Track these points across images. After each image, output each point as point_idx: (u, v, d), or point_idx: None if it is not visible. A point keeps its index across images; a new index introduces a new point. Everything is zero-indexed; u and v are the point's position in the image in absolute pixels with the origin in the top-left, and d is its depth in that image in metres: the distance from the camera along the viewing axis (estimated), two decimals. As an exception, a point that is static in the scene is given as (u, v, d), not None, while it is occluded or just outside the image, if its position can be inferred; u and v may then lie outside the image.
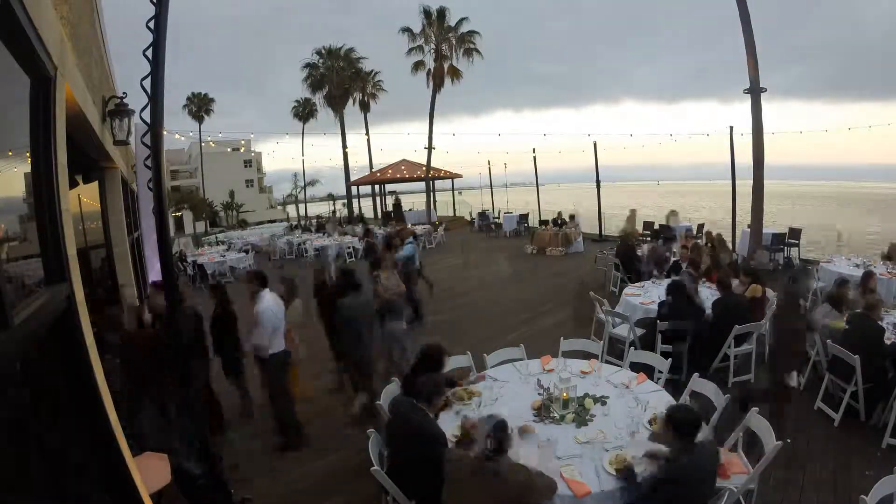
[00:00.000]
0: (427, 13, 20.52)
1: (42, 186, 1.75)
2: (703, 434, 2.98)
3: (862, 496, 2.32)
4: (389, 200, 27.35)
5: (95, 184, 5.17)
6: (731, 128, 11.84)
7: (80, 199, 4.48)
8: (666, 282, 6.16)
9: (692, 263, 7.03)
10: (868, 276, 5.68)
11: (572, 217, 14.84)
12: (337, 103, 27.77)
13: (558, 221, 15.17)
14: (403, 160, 24.48)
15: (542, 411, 3.20)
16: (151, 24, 2.39)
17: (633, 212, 13.65)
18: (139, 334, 4.18)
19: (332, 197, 46.18)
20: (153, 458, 3.10)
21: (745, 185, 10.42)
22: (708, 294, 6.04)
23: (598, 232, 15.89)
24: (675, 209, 13.65)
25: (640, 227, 13.61)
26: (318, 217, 28.58)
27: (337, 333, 4.87)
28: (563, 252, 13.49)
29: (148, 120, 2.48)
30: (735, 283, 5.55)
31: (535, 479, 2.32)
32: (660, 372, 4.01)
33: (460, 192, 27.95)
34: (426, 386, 2.87)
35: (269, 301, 4.24)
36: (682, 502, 2.37)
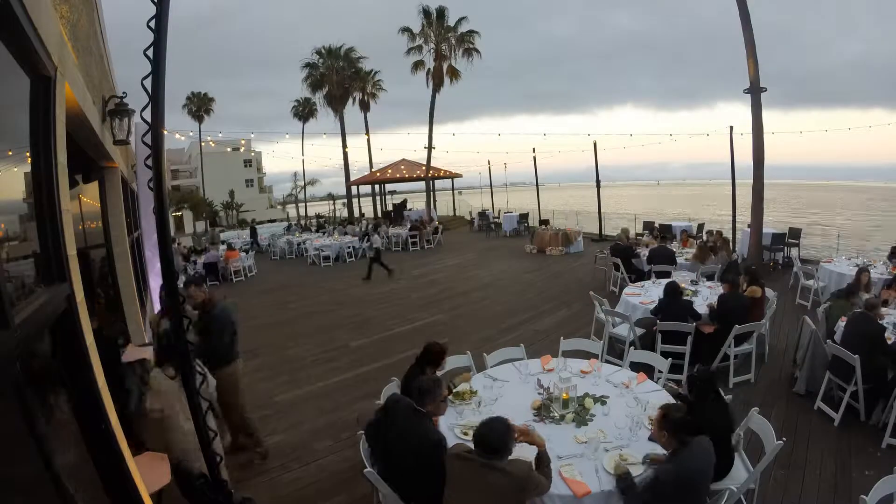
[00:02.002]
0: (426, 13, 20.49)
1: (42, 186, 1.75)
2: None
3: (862, 496, 2.32)
4: (389, 200, 27.38)
5: (95, 184, 5.16)
6: (731, 128, 11.87)
7: (80, 199, 4.47)
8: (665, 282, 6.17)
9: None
10: (861, 272, 5.72)
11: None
12: (337, 103, 27.73)
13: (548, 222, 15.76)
14: (403, 160, 24.48)
15: (542, 411, 3.20)
16: (152, 24, 2.39)
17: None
18: None
19: (332, 197, 46.19)
20: (153, 458, 3.11)
21: (746, 185, 10.42)
22: (708, 294, 6.05)
23: (598, 232, 15.91)
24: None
25: (639, 228, 13.62)
26: (318, 216, 28.59)
27: None
28: (563, 252, 13.49)
29: (148, 119, 2.48)
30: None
31: (534, 472, 2.33)
32: (660, 372, 4.01)
33: (460, 192, 27.97)
34: (421, 386, 2.82)
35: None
36: (684, 499, 2.37)
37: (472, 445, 2.44)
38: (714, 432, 2.74)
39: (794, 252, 10.60)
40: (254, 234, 19.45)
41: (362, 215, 26.91)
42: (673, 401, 3.22)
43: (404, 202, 24.38)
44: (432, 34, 20.61)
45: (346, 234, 16.47)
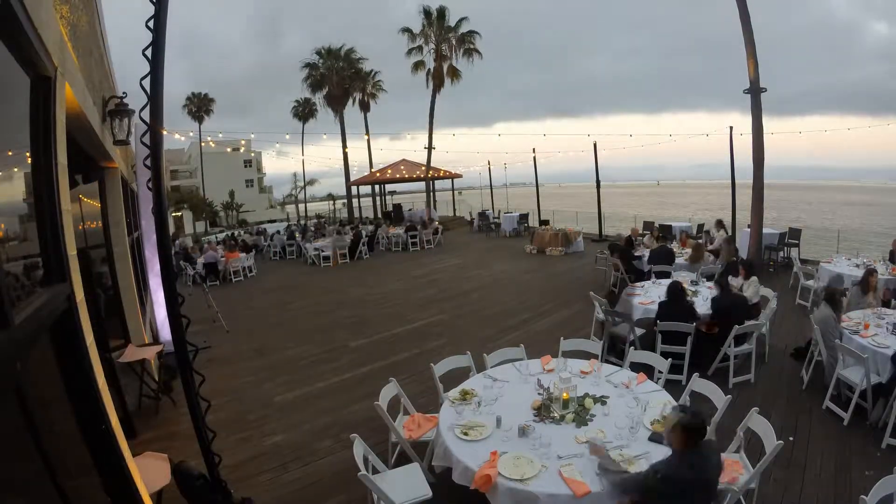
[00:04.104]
0: (427, 13, 20.49)
1: (42, 186, 1.75)
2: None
3: (862, 496, 2.32)
4: (390, 200, 27.39)
5: (95, 184, 5.17)
6: (731, 128, 11.87)
7: (81, 199, 4.47)
8: (666, 283, 6.17)
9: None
10: (869, 274, 5.70)
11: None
12: (337, 103, 27.74)
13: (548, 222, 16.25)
14: (403, 160, 24.49)
15: (543, 411, 3.20)
16: (151, 24, 2.39)
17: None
18: None
19: (332, 197, 46.19)
20: (153, 458, 3.11)
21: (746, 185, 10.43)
22: (708, 294, 6.05)
23: (598, 232, 15.91)
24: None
25: (639, 228, 13.63)
26: (318, 216, 28.56)
27: None
28: (563, 252, 13.49)
29: (147, 120, 2.48)
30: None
31: None
32: (660, 372, 4.01)
33: (460, 192, 27.95)
34: None
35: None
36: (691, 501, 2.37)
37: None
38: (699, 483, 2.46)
39: (793, 252, 10.59)
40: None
41: (359, 219, 26.89)
42: (674, 402, 3.23)
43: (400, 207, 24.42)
44: (433, 34, 20.61)
45: (344, 234, 16.47)
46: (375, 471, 3.13)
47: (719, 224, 10.62)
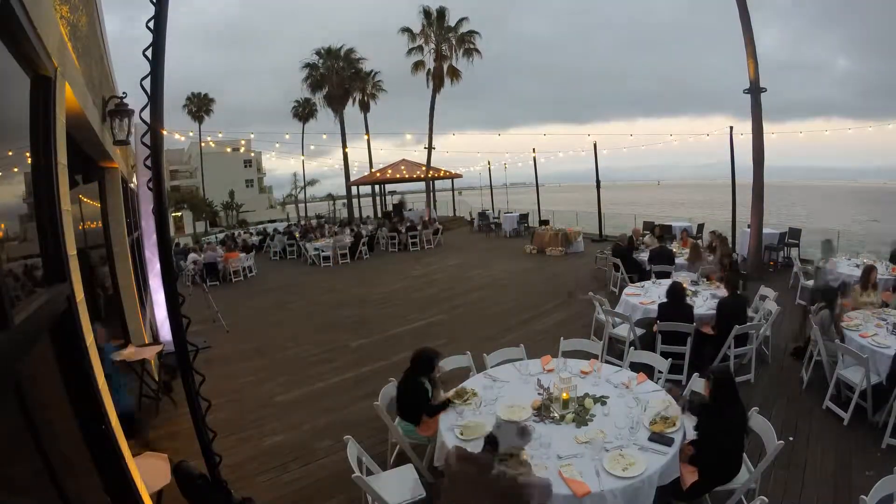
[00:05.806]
0: (427, 13, 20.50)
1: (42, 186, 1.75)
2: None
3: (862, 496, 2.32)
4: (390, 200, 27.40)
5: (95, 184, 5.17)
6: (731, 128, 11.86)
7: (80, 199, 4.47)
8: (666, 283, 6.18)
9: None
10: (868, 270, 5.70)
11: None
12: (337, 104, 27.74)
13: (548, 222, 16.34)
14: (403, 160, 24.51)
15: (542, 411, 3.20)
16: (151, 24, 2.39)
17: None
18: None
19: (332, 197, 46.17)
20: (153, 458, 3.11)
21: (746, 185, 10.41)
22: (708, 295, 6.04)
23: (598, 232, 15.91)
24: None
25: (640, 227, 13.62)
26: (317, 216, 28.56)
27: None
28: (563, 252, 13.49)
29: (148, 120, 2.48)
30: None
31: (533, 480, 2.31)
32: (660, 372, 4.01)
33: (460, 192, 27.96)
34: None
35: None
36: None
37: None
38: (732, 435, 2.82)
39: (793, 252, 10.59)
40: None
41: (359, 219, 26.85)
42: (674, 403, 3.22)
43: (402, 202, 24.46)
44: (433, 34, 20.62)
45: (344, 233, 16.48)
46: (370, 472, 3.13)
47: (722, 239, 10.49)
